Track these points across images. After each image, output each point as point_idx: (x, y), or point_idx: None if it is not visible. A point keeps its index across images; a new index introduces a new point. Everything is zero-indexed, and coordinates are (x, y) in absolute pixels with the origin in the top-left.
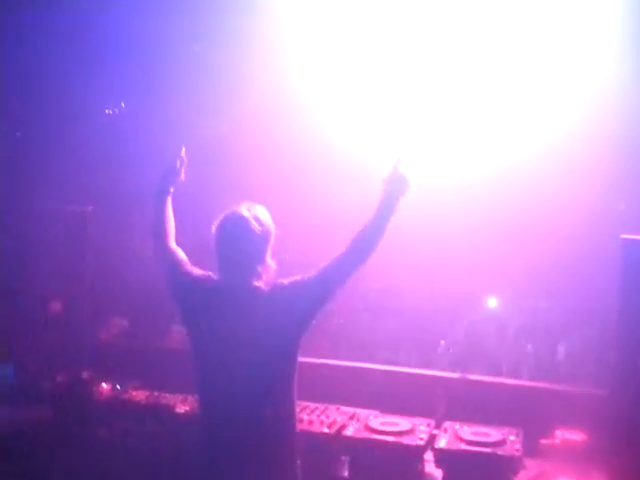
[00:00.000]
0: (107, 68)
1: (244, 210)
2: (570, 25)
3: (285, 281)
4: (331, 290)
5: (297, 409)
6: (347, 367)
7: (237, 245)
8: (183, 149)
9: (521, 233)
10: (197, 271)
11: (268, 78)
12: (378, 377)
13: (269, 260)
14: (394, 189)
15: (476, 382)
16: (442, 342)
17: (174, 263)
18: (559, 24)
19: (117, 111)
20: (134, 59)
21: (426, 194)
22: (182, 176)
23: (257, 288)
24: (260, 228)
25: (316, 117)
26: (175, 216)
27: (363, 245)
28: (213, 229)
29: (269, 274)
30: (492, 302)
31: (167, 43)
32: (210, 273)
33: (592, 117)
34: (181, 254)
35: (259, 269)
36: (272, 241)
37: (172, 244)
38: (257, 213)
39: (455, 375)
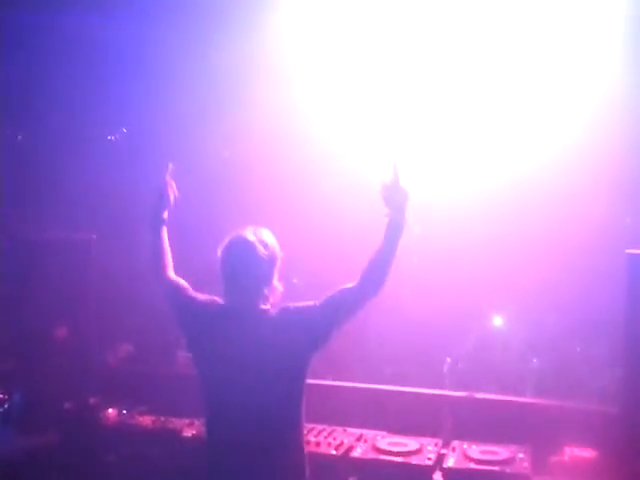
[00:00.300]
0: (114, 90)
1: (249, 233)
2: (576, 34)
3: (294, 305)
4: (341, 319)
5: (305, 432)
6: (352, 388)
7: (243, 268)
8: (170, 168)
9: (526, 247)
10: (201, 296)
11: (272, 98)
12: (384, 397)
13: (276, 283)
14: (396, 204)
15: (483, 400)
16: (448, 359)
17: (176, 292)
18: (565, 33)
19: (119, 137)
20: (139, 79)
21: (431, 209)
22: (172, 200)
23: (264, 311)
24: (266, 251)
25: (322, 138)
26: (180, 239)
27: (376, 276)
28: (219, 253)
29: (276, 297)
30: (498, 319)
31: (170, 60)
32: (215, 298)
33: (598, 130)
34: (182, 282)
35: (266, 292)
36: (278, 264)
37: (171, 274)
38: (262, 236)
39: (462, 394)
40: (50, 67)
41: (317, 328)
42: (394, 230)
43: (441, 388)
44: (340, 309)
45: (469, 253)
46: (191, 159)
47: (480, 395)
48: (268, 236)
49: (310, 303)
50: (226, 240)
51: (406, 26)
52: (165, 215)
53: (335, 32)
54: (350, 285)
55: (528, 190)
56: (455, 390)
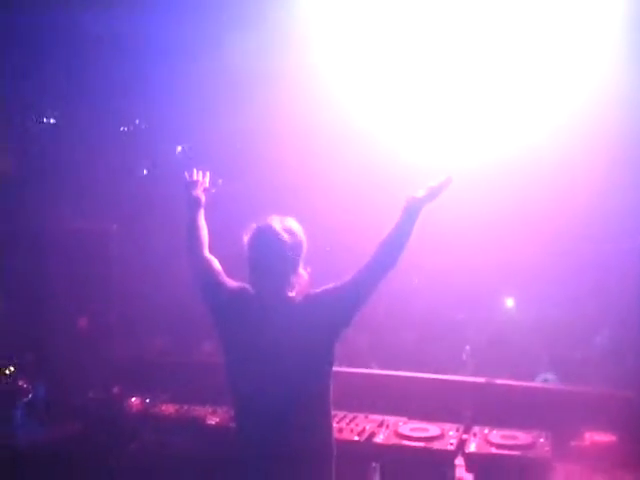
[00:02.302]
0: (131, 82)
1: (275, 222)
2: (575, 16)
3: (318, 290)
4: (364, 296)
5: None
6: (373, 375)
7: (269, 256)
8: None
9: (536, 234)
10: (231, 282)
11: (296, 86)
12: (404, 384)
13: (301, 270)
14: (430, 197)
15: (503, 386)
16: (467, 347)
17: (209, 273)
18: (562, 18)
19: (132, 128)
20: (156, 63)
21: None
22: (205, 183)
23: (290, 298)
24: (291, 239)
25: (344, 121)
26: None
27: (391, 248)
28: (245, 241)
29: (301, 284)
30: (510, 302)
31: (187, 51)
32: (245, 285)
33: (604, 111)
34: (216, 264)
35: (292, 279)
36: (304, 252)
37: (206, 253)
38: (288, 224)
39: (482, 379)
40: (66, 60)
41: (341, 310)
42: (414, 215)
43: (458, 373)
44: (363, 286)
45: (477, 241)
46: (208, 150)
47: (500, 381)
48: (294, 224)
49: (331, 286)
50: (252, 228)
51: (413, 10)
52: (200, 195)
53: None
54: (367, 261)
55: (534, 176)
56: (475, 376)
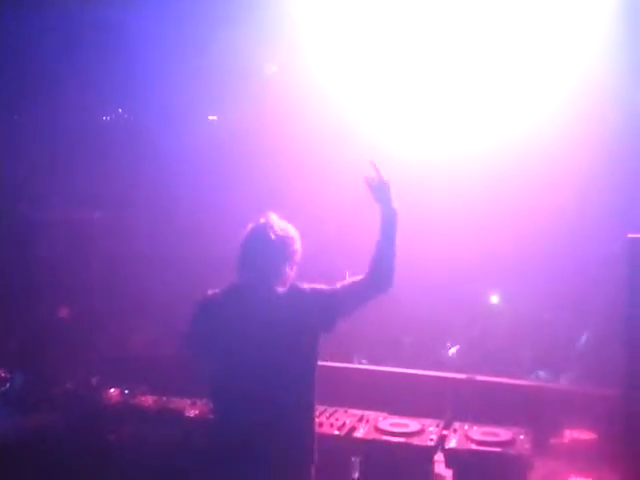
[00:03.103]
0: (115, 72)
1: (269, 219)
2: (563, 6)
3: (306, 286)
4: (348, 310)
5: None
6: (353, 369)
7: (258, 248)
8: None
9: (525, 229)
10: (211, 299)
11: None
12: (385, 379)
13: (288, 267)
14: (383, 198)
15: (484, 382)
16: (448, 344)
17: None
18: (553, 8)
19: (114, 117)
20: (142, 61)
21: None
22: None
23: (275, 289)
24: (282, 233)
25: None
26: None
27: (382, 272)
28: (241, 239)
29: (288, 279)
30: (495, 299)
31: (174, 43)
32: (222, 289)
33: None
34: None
35: (282, 274)
36: (293, 249)
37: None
38: (278, 222)
39: (463, 376)
40: (50, 50)
41: (324, 313)
42: (388, 224)
43: (443, 370)
44: (347, 301)
45: (462, 237)
46: (195, 142)
47: (481, 377)
48: (284, 223)
49: (321, 287)
50: (248, 227)
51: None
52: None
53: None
54: (360, 278)
55: (526, 171)
56: (456, 372)
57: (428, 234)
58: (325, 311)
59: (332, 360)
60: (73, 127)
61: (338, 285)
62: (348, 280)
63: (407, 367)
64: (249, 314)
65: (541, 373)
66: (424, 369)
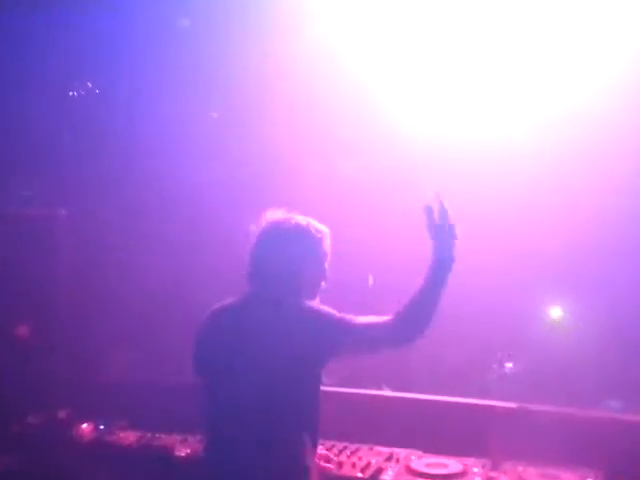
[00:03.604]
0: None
1: (286, 218)
2: None
3: (318, 308)
4: (358, 350)
5: (315, 454)
6: (378, 397)
7: (268, 257)
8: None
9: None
10: (211, 321)
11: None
12: (416, 408)
13: (312, 277)
14: (444, 241)
15: (538, 412)
16: (494, 366)
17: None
18: None
19: (83, 92)
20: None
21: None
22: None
23: (288, 306)
24: (302, 240)
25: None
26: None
27: (413, 322)
28: (252, 235)
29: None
30: (556, 312)
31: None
32: (218, 310)
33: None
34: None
35: (301, 287)
36: (320, 258)
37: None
38: (301, 223)
39: (513, 405)
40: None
41: (328, 345)
42: (441, 270)
43: (487, 397)
44: (362, 342)
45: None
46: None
47: (535, 406)
48: (305, 219)
49: (335, 316)
50: (262, 222)
51: None
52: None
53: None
54: (387, 320)
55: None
56: (505, 401)
57: (472, 231)
58: (332, 346)
59: (350, 385)
60: (31, 104)
61: (359, 320)
62: (370, 319)
63: (444, 394)
64: (241, 336)
65: (613, 403)
66: (465, 396)
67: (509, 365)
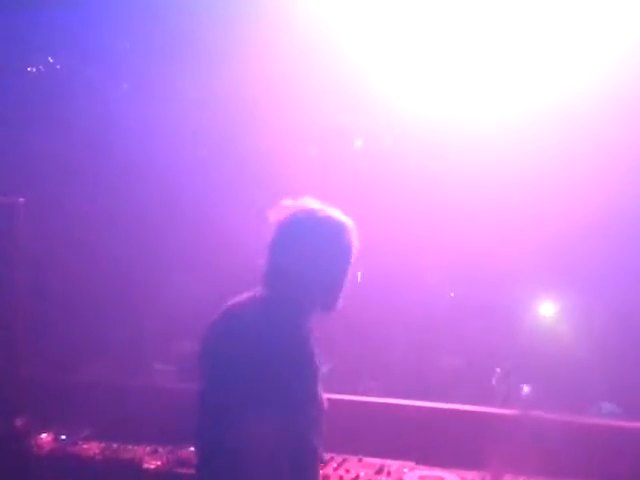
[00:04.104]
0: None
1: (308, 210)
2: None
3: (291, 339)
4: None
5: None
6: (367, 403)
7: (289, 260)
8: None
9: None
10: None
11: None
12: (409, 416)
13: (332, 279)
14: None
15: (540, 420)
16: (497, 370)
17: None
18: None
19: (43, 69)
20: None
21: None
22: None
23: (271, 314)
24: (320, 239)
25: None
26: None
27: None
28: (270, 228)
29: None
30: (548, 309)
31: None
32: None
33: None
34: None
35: (312, 296)
36: (343, 256)
37: None
38: (321, 214)
39: (514, 411)
40: None
41: (275, 386)
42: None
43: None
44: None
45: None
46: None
47: (537, 413)
48: (325, 210)
49: (296, 360)
50: (284, 210)
51: None
52: None
53: None
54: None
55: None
56: (505, 407)
57: (465, 224)
58: (278, 389)
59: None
60: None
61: (293, 391)
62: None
63: (438, 400)
64: (221, 346)
65: (607, 406)
66: (461, 403)
67: (525, 388)
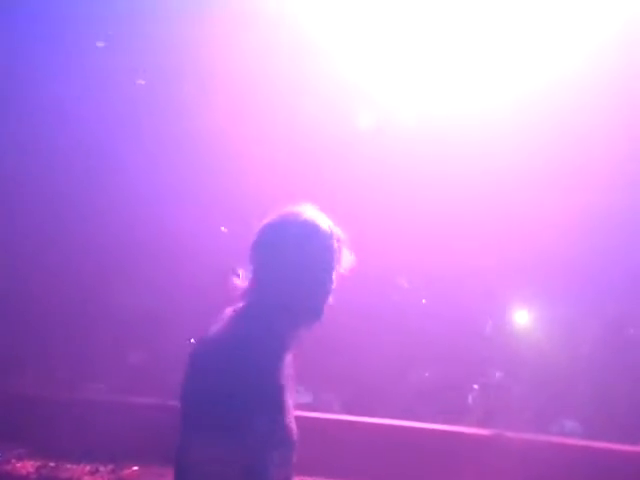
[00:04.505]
0: None
1: (291, 214)
2: None
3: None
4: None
5: None
6: (340, 422)
7: (265, 267)
8: None
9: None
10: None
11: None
12: (376, 434)
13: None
14: None
15: (519, 441)
16: (475, 386)
17: None
18: None
19: None
20: None
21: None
22: None
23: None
24: (303, 243)
25: None
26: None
27: None
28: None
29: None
30: (522, 316)
31: None
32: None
33: None
34: None
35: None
36: (326, 265)
37: None
38: (307, 218)
39: (489, 431)
40: None
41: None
42: None
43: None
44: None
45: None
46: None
47: (513, 434)
48: (311, 214)
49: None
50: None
51: None
52: None
53: None
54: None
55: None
56: (481, 426)
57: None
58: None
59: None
60: None
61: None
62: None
63: (409, 418)
64: (195, 363)
65: (568, 424)
66: (431, 421)
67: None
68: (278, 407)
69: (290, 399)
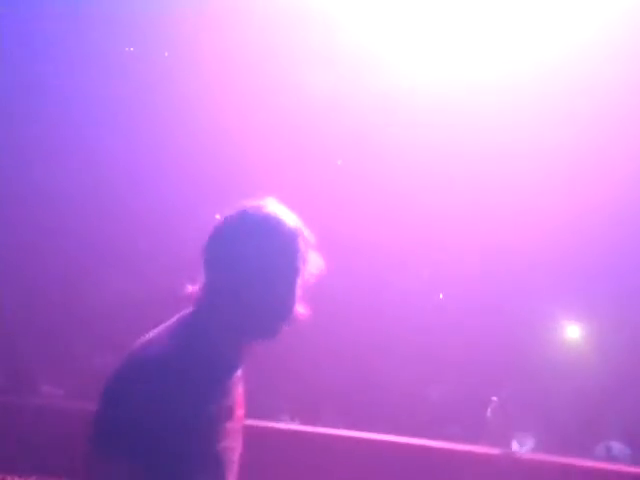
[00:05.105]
0: None
1: (256, 208)
2: None
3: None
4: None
5: None
6: (336, 437)
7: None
8: None
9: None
10: None
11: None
12: (384, 454)
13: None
14: None
15: (539, 462)
16: (494, 398)
17: None
18: None
19: None
20: None
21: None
22: None
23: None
24: (264, 242)
25: None
26: None
27: None
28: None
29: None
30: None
31: None
32: None
33: None
34: None
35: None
36: (296, 267)
37: None
38: (271, 213)
39: (497, 451)
40: None
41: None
42: None
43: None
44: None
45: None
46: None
47: (534, 455)
48: (277, 210)
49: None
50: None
51: None
52: None
53: None
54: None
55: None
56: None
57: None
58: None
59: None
60: None
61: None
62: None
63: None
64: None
65: (615, 446)
66: (436, 438)
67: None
68: (195, 438)
69: (229, 422)
